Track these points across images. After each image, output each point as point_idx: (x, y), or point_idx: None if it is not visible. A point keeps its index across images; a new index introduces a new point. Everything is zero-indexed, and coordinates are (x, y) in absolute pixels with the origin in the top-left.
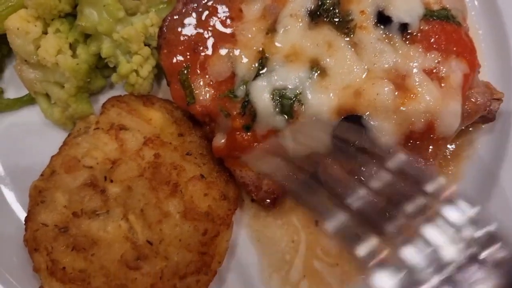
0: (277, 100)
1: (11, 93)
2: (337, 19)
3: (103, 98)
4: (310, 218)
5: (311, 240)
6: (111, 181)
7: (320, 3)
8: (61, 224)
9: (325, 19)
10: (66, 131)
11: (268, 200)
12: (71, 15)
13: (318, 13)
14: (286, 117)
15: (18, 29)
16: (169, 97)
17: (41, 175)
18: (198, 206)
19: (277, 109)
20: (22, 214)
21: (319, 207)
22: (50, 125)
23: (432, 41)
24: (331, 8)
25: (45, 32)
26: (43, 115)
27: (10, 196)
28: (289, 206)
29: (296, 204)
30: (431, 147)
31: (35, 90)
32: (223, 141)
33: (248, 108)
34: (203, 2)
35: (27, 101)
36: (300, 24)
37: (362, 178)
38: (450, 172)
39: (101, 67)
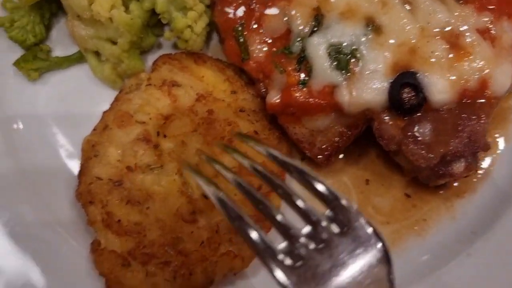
0: (333, 56)
1: (58, 53)
2: None
3: (151, 58)
4: (361, 177)
5: (362, 199)
6: (165, 136)
7: None
8: (115, 178)
9: None
10: (115, 89)
11: (321, 157)
12: None
13: None
14: (342, 72)
15: None
16: (217, 57)
17: (94, 129)
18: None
19: (333, 65)
20: (74, 169)
21: (370, 165)
22: (98, 84)
23: (484, 1)
24: None
25: None
26: (91, 74)
27: (62, 152)
28: (339, 166)
29: (346, 163)
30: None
31: (86, 47)
32: (277, 97)
33: (303, 64)
34: None
35: (76, 59)
36: None
37: (416, 135)
38: (496, 135)
39: (152, 25)
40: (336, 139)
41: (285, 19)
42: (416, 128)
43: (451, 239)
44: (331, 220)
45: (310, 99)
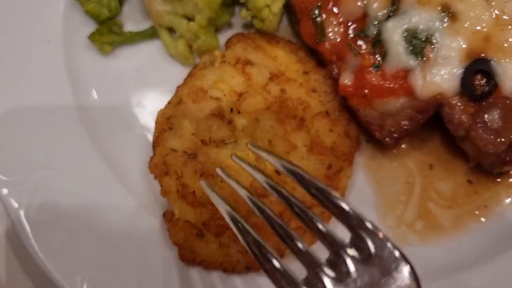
0: (409, 40)
1: (129, 27)
2: None
3: (222, 37)
4: (425, 162)
5: (425, 183)
6: (238, 112)
7: None
8: (190, 150)
9: None
10: (186, 66)
11: (389, 139)
12: None
13: None
14: (416, 57)
15: None
16: (287, 39)
17: (168, 103)
18: (324, 141)
19: (408, 50)
20: (146, 141)
21: (434, 151)
22: (168, 60)
23: None
24: None
25: None
26: (161, 50)
27: (135, 123)
28: (404, 149)
29: (411, 147)
30: None
31: (161, 22)
32: (350, 79)
33: (378, 47)
34: None
35: (149, 34)
36: None
37: (486, 121)
38: None
39: (227, 3)
40: (406, 122)
41: (362, 2)
42: (486, 114)
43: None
44: (355, 246)
45: (383, 82)
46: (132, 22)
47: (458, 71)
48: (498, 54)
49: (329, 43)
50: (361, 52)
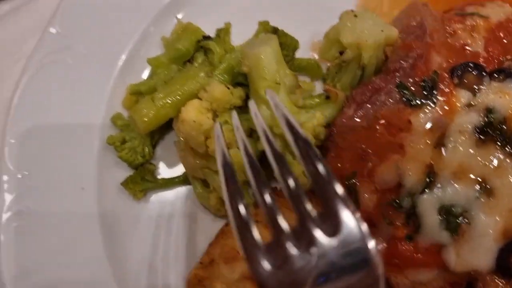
0: (444, 216)
1: (162, 170)
2: (504, 138)
3: None
4: None
5: None
6: None
7: (487, 121)
8: None
9: (492, 137)
10: (217, 216)
11: None
12: (239, 108)
13: (485, 130)
14: (451, 233)
15: (194, 121)
16: None
17: (200, 263)
18: None
19: (443, 225)
20: None
21: None
22: (200, 208)
23: None
24: (498, 126)
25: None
26: (192, 195)
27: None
28: None
29: None
30: None
31: (194, 175)
32: (382, 246)
33: (412, 219)
34: (373, 109)
35: (181, 181)
36: (468, 141)
37: None
38: None
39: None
40: None
41: (397, 173)
42: None
43: None
44: (324, 216)
45: (416, 255)
46: (165, 164)
47: (493, 250)
48: None
49: (363, 209)
50: (394, 222)
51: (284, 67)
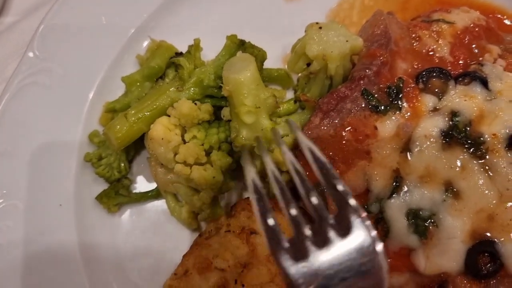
0: (411, 220)
1: (138, 184)
2: (469, 141)
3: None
4: None
5: None
6: (242, 285)
7: (452, 124)
8: None
9: (458, 140)
10: (190, 230)
11: None
12: (207, 122)
13: (450, 133)
14: (420, 236)
15: (162, 139)
16: None
17: (175, 274)
18: None
19: (411, 229)
20: None
21: None
22: (173, 221)
23: None
24: (463, 129)
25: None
26: (168, 212)
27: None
28: None
29: None
30: None
31: (166, 189)
32: None
33: (381, 224)
34: (340, 117)
35: (154, 196)
36: (434, 145)
37: None
38: None
39: (231, 169)
40: None
41: (364, 179)
42: None
43: None
44: (338, 220)
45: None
46: (142, 179)
47: (461, 252)
48: (503, 234)
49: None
50: None
51: (263, 89)
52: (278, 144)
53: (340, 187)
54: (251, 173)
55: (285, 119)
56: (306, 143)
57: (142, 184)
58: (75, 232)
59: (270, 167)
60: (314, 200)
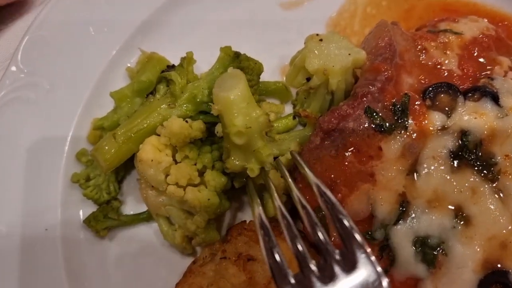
0: (419, 248)
1: (128, 207)
2: (480, 162)
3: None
4: None
5: None
6: None
7: (461, 144)
8: None
9: (468, 162)
10: (184, 254)
11: None
12: (199, 140)
13: (460, 154)
14: (428, 266)
15: (152, 160)
16: None
17: None
18: None
19: (418, 257)
20: None
21: None
22: (166, 245)
23: None
24: (473, 150)
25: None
26: (159, 233)
27: None
28: None
29: None
30: None
31: (158, 212)
32: None
33: (386, 252)
34: (341, 137)
35: (145, 218)
36: (442, 167)
37: None
38: None
39: (226, 189)
40: None
41: (369, 203)
42: None
43: None
44: (343, 256)
45: None
46: (132, 200)
47: (473, 282)
48: None
49: (334, 243)
50: None
51: (254, 107)
52: (284, 177)
53: (346, 223)
54: (257, 209)
55: (289, 150)
56: (313, 179)
57: (132, 206)
58: (61, 258)
59: (277, 203)
60: (321, 236)
